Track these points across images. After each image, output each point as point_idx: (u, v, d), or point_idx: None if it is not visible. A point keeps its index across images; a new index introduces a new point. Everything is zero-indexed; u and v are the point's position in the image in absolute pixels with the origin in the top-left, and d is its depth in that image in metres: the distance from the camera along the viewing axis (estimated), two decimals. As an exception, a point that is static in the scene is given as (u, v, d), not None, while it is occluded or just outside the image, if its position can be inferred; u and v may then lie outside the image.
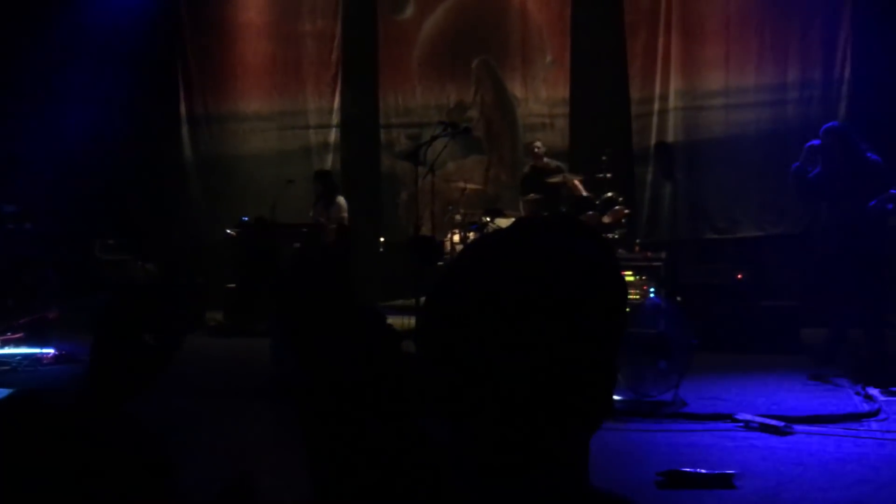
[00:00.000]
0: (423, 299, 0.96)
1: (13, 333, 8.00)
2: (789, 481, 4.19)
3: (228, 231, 10.31)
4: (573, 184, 9.71)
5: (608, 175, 9.62)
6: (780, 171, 9.96)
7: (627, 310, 1.01)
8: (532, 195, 9.74)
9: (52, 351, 7.72)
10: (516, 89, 11.18)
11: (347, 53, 11.87)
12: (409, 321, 7.72)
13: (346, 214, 10.03)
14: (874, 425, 5.23)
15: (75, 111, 10.56)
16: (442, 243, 9.87)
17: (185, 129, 12.33)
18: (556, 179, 9.69)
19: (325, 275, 9.60)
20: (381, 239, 10.91)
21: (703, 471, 4.18)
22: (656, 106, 10.51)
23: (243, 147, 12.19)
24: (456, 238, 9.73)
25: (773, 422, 5.15)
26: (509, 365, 0.90)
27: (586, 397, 0.93)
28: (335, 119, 11.92)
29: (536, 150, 10.05)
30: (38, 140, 10.60)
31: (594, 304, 0.93)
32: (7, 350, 7.74)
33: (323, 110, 11.95)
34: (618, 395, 5.58)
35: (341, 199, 10.09)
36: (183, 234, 11.80)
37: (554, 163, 10.01)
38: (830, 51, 9.87)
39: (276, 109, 12.08)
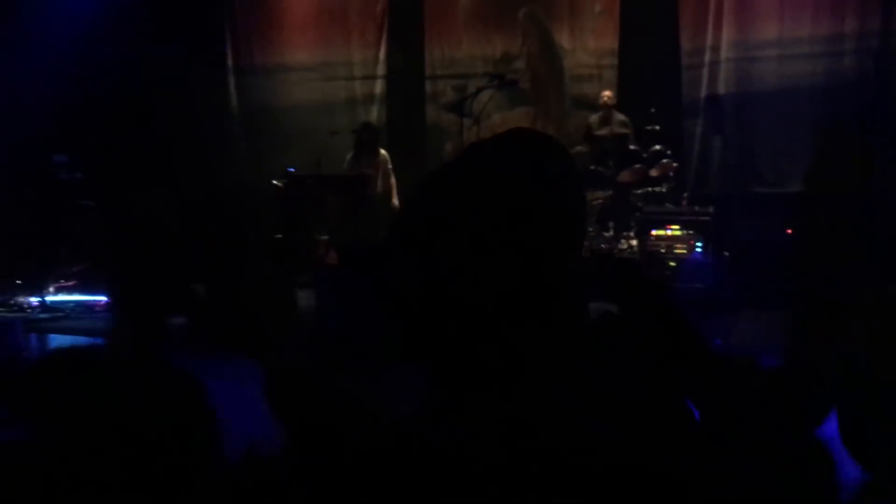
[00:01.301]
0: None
1: (66, 281, 8.19)
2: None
3: (275, 182, 10.36)
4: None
5: (657, 127, 9.48)
6: (834, 125, 9.75)
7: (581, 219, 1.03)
8: (579, 148, 9.63)
9: (104, 298, 7.89)
10: (564, 40, 11.01)
11: (393, 4, 11.77)
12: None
13: (391, 167, 10.04)
14: None
15: (123, 62, 10.62)
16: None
17: (231, 80, 12.38)
18: (602, 132, 9.57)
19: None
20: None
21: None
22: (707, 57, 10.29)
23: (289, 98, 12.20)
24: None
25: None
26: (469, 283, 0.91)
27: (549, 303, 0.94)
28: (380, 70, 11.86)
29: (607, 100, 9.86)
30: (86, 91, 10.71)
31: (544, 217, 0.94)
32: (60, 297, 7.93)
33: (368, 61, 11.89)
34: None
35: (385, 153, 10.08)
36: (229, 184, 11.89)
37: (621, 116, 9.84)
38: (891, 0, 9.55)
39: (321, 60, 12.05)
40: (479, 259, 0.92)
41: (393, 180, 10.01)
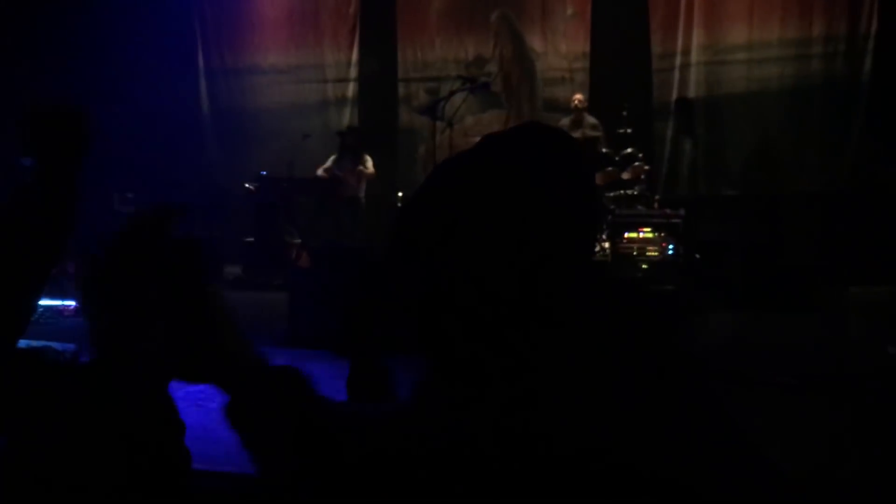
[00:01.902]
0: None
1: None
2: (803, 441, 4.20)
3: (247, 185, 10.32)
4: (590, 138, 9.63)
5: (628, 130, 9.53)
6: (802, 127, 9.88)
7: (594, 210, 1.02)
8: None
9: (73, 303, 7.80)
10: (535, 43, 11.05)
11: (365, 6, 11.76)
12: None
13: (373, 171, 10.09)
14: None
15: (92, 64, 10.52)
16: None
17: (202, 83, 12.30)
18: (574, 135, 9.60)
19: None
20: (399, 194, 10.89)
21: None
22: (678, 60, 10.38)
23: (260, 100, 12.15)
24: (473, 193, 9.70)
25: (788, 379, 5.14)
26: (480, 277, 0.90)
27: (559, 300, 0.92)
28: (353, 73, 11.85)
29: (578, 103, 9.88)
30: (54, 93, 10.59)
31: (558, 216, 0.93)
32: (29, 302, 7.81)
33: (341, 64, 11.87)
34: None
35: (368, 157, 10.09)
36: (201, 187, 11.81)
37: (592, 119, 9.88)
38: (857, 4, 9.68)
39: (293, 63, 12.01)
40: (491, 254, 0.91)
41: (367, 177, 10.05)
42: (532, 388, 0.90)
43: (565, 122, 9.96)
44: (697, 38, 10.27)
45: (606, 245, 8.83)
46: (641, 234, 8.50)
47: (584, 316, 0.94)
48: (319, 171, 10.11)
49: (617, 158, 9.34)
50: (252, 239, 10.06)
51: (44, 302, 7.80)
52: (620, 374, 0.92)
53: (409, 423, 0.94)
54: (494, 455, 0.88)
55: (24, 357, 1.29)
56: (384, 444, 0.94)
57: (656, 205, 9.30)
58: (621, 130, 9.53)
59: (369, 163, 10.05)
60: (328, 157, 10.26)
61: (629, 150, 9.34)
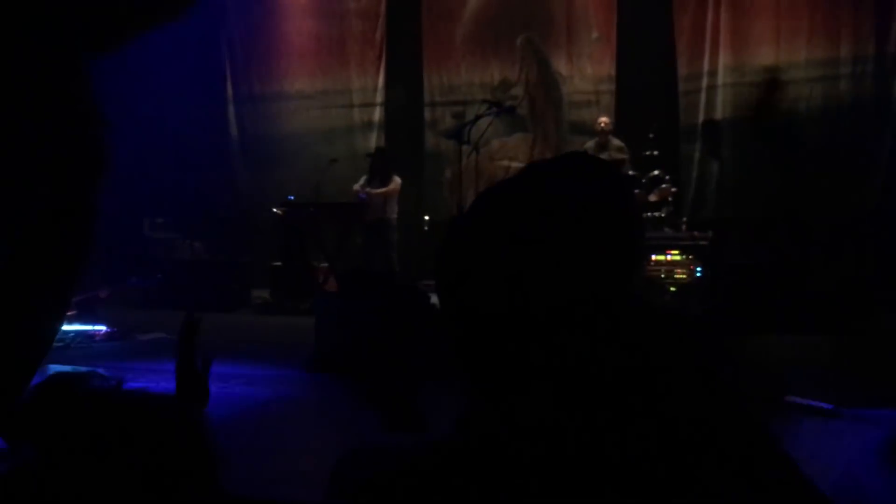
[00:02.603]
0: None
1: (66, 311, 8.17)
2: (837, 466, 4.13)
3: (275, 209, 10.39)
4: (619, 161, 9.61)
5: (655, 153, 9.51)
6: (831, 148, 9.81)
7: (641, 246, 1.02)
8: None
9: (104, 328, 7.88)
10: (561, 66, 11.08)
11: (391, 31, 11.86)
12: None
13: (399, 189, 10.08)
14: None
15: (122, 91, 10.67)
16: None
17: (231, 109, 12.45)
18: (601, 157, 9.60)
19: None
20: (426, 217, 10.93)
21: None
22: (704, 82, 10.36)
23: (288, 126, 12.27)
24: (500, 217, 9.70)
25: (822, 404, 5.07)
26: (524, 318, 0.89)
27: (605, 323, 0.92)
28: (379, 97, 11.93)
29: (604, 126, 9.88)
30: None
31: (604, 246, 0.92)
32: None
33: (367, 89, 11.96)
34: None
35: (397, 178, 10.08)
36: (229, 212, 11.93)
37: (617, 141, 9.86)
38: (885, 24, 9.63)
39: (319, 88, 12.13)
40: (540, 285, 0.90)
41: (396, 198, 10.06)
42: (590, 416, 0.90)
43: (591, 144, 9.95)
44: (724, 59, 10.25)
45: (634, 268, 8.77)
46: (669, 257, 8.46)
47: (633, 347, 0.94)
48: (356, 187, 10.12)
49: (643, 181, 9.31)
50: (279, 263, 10.11)
51: (75, 327, 7.90)
52: (676, 404, 0.92)
53: (464, 453, 0.94)
54: (537, 459, 0.88)
55: (69, 381, 1.30)
56: (444, 473, 0.93)
57: (684, 227, 9.26)
58: (648, 153, 9.51)
59: (398, 185, 10.04)
60: (354, 181, 10.29)
61: (656, 172, 9.32)
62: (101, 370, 6.54)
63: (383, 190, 9.96)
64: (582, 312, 0.90)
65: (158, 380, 6.28)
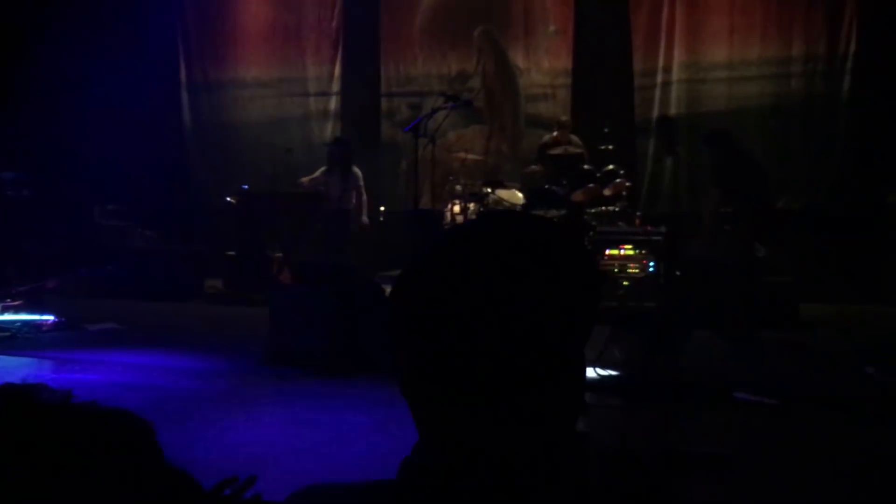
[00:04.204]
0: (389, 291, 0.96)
1: (12, 301, 8.02)
2: (782, 462, 4.22)
3: (228, 199, 10.28)
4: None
5: (610, 147, 9.58)
6: (782, 146, 9.97)
7: (594, 305, 0.99)
8: (532, 167, 9.71)
9: (51, 318, 7.74)
10: (518, 59, 11.10)
11: (348, 20, 11.77)
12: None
13: (362, 184, 9.98)
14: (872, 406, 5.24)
15: (74, 77, 10.48)
16: (442, 214, 9.86)
17: (184, 96, 12.27)
18: (557, 151, 9.64)
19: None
20: (382, 208, 10.89)
21: (695, 450, 4.20)
22: (659, 78, 10.45)
23: (243, 114, 12.13)
24: (456, 209, 9.70)
25: (769, 400, 5.17)
26: (475, 360, 0.89)
27: (557, 394, 0.92)
28: (335, 87, 11.85)
29: (565, 122, 9.90)
30: (36, 106, 10.54)
31: (563, 298, 0.92)
32: (6, 317, 7.76)
33: (323, 78, 11.87)
34: (612, 371, 5.60)
35: (357, 169, 9.99)
36: (183, 201, 11.77)
37: (574, 137, 9.89)
38: (835, 24, 9.80)
39: (275, 76, 12.01)
40: (496, 340, 0.89)
41: (364, 198, 9.98)
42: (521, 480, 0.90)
43: (548, 138, 10.00)
44: (679, 56, 10.34)
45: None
46: (623, 252, 8.52)
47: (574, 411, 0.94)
48: (304, 180, 10.04)
49: (598, 175, 9.37)
50: (233, 253, 10.02)
51: (22, 317, 7.75)
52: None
53: (401, 498, 0.93)
54: None
55: (16, 394, 1.28)
56: None
57: (638, 222, 9.34)
58: (603, 147, 9.58)
59: (357, 176, 9.94)
60: (311, 170, 10.20)
61: (611, 166, 9.38)
62: (48, 372, 6.44)
63: (363, 198, 9.89)
64: (536, 373, 0.89)
65: (108, 371, 6.20)
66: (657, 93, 10.47)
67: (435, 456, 0.91)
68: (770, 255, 8.65)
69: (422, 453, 0.93)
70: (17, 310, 7.96)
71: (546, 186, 9.26)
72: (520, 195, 9.62)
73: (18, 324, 7.63)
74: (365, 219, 10.00)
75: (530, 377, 0.89)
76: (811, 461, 4.23)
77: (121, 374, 6.13)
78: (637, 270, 8.43)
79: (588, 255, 0.98)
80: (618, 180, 9.30)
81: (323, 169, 10.01)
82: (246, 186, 10.19)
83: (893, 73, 9.21)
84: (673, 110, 10.35)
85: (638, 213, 9.61)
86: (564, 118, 10.01)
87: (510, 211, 1.13)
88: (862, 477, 4.01)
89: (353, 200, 9.94)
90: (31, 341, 7.21)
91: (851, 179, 9.58)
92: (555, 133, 9.89)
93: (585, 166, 9.49)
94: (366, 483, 0.98)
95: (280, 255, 9.81)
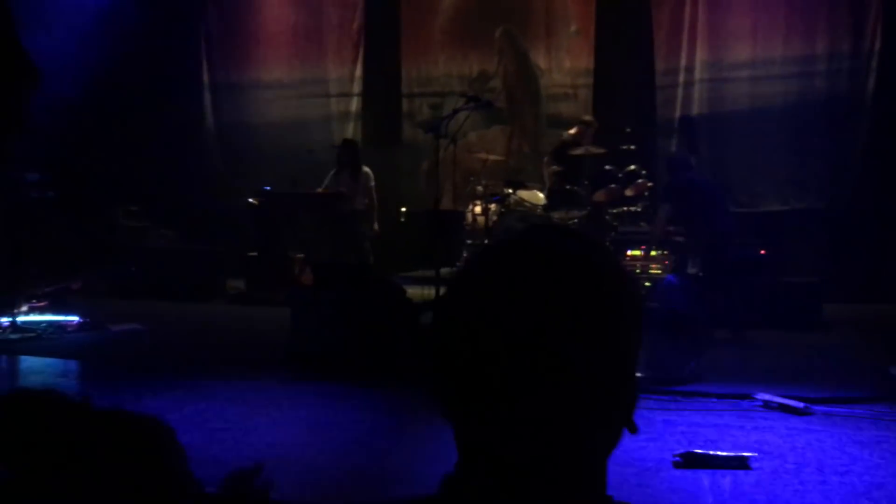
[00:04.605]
0: (430, 314, 0.94)
1: (38, 301, 8.09)
2: (807, 464, 4.18)
3: (250, 199, 10.32)
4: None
5: (631, 147, 9.53)
6: (806, 145, 9.89)
7: (640, 326, 0.98)
8: (554, 167, 9.68)
9: (76, 318, 7.81)
10: (539, 59, 11.08)
11: (370, 21, 11.79)
12: (429, 292, 7.72)
13: (374, 185, 9.94)
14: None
15: (98, 78, 10.55)
16: (463, 214, 9.85)
17: (206, 97, 12.34)
18: (578, 152, 9.60)
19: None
20: (403, 209, 10.89)
21: (720, 452, 4.17)
22: (681, 78, 10.39)
23: (264, 115, 12.18)
24: (477, 209, 9.69)
25: (793, 402, 5.12)
26: (520, 383, 0.88)
27: (605, 419, 0.91)
28: (357, 88, 11.87)
29: (589, 120, 9.81)
30: (60, 107, 10.62)
31: (613, 318, 0.91)
32: (32, 318, 7.83)
33: (344, 79, 11.90)
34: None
35: (368, 170, 9.96)
36: (204, 201, 11.83)
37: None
38: (860, 22, 9.71)
39: (297, 77, 12.04)
40: (532, 360, 0.88)
41: (375, 201, 9.93)
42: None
43: (567, 136, 9.95)
44: (701, 55, 10.29)
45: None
46: (644, 252, 8.48)
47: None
48: (320, 191, 10.05)
49: (620, 175, 9.33)
50: (255, 253, 10.06)
51: (47, 317, 7.82)
52: None
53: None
54: None
55: (34, 400, 1.29)
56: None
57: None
58: (624, 147, 9.53)
59: (368, 177, 9.91)
60: (330, 171, 10.19)
61: (632, 166, 9.34)
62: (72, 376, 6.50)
63: (371, 196, 9.83)
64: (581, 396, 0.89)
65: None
66: (679, 92, 10.41)
67: (478, 475, 0.91)
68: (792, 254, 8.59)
69: (464, 471, 0.93)
70: (42, 311, 8.03)
71: (567, 187, 9.23)
72: (541, 196, 9.59)
73: (44, 324, 7.70)
74: (376, 226, 9.91)
75: (577, 402, 0.88)
76: (835, 464, 4.19)
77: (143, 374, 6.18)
78: (659, 271, 8.38)
79: (633, 279, 0.98)
80: (640, 180, 9.26)
81: (332, 172, 9.99)
82: (268, 187, 10.22)
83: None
84: (696, 110, 10.29)
85: (660, 214, 9.55)
86: (588, 118, 9.89)
87: (557, 227, 1.13)
88: (886, 481, 3.96)
89: (366, 201, 9.89)
90: (57, 342, 7.26)
91: (875, 179, 9.48)
92: (573, 130, 9.77)
93: (606, 167, 9.45)
94: (408, 500, 0.97)
95: (301, 255, 9.84)
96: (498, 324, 0.87)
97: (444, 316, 0.93)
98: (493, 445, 0.90)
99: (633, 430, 0.94)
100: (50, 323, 7.73)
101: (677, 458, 4.14)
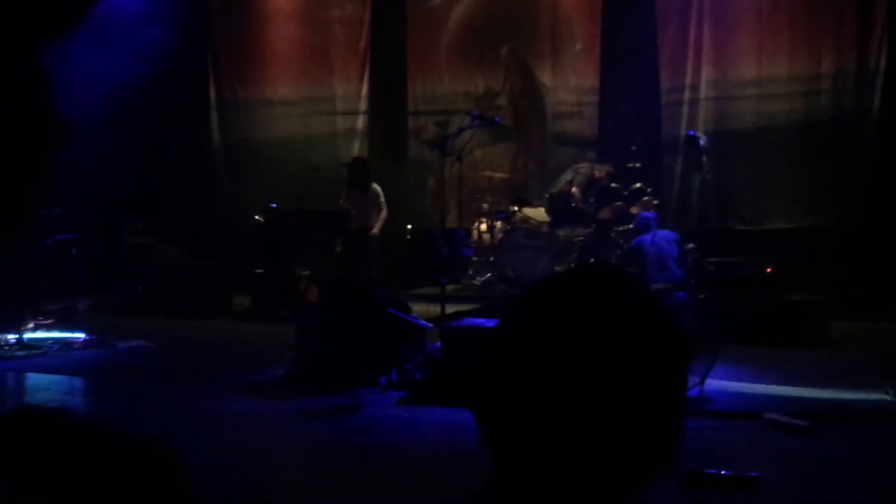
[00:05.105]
0: (486, 360, 0.97)
1: (44, 319, 8.11)
2: (813, 483, 4.16)
3: (256, 217, 10.34)
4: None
5: (637, 165, 9.55)
6: (811, 163, 9.88)
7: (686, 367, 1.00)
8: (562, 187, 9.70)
9: (82, 335, 7.83)
10: (545, 77, 11.11)
11: (376, 40, 11.85)
12: (435, 309, 7.72)
13: (383, 201, 9.91)
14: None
15: (105, 96, 10.61)
16: (469, 231, 9.85)
17: (213, 115, 12.40)
18: (583, 169, 9.63)
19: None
20: (409, 226, 10.90)
21: (726, 472, 4.15)
22: (686, 95, 10.41)
23: (271, 133, 12.23)
24: (483, 226, 9.71)
25: (799, 421, 5.10)
26: (564, 415, 0.90)
27: (644, 452, 0.93)
28: (363, 105, 11.92)
29: (599, 176, 9.77)
30: (67, 125, 10.67)
31: (662, 365, 0.93)
32: (39, 335, 7.85)
33: (350, 97, 11.95)
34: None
35: (377, 186, 9.95)
36: (211, 218, 11.87)
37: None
38: (865, 40, 9.71)
39: (303, 95, 12.10)
40: (578, 395, 0.91)
41: (384, 214, 9.90)
42: None
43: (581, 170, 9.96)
44: (706, 73, 10.30)
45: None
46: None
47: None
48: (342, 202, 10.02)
49: (626, 193, 9.35)
50: (261, 270, 10.07)
51: (54, 335, 7.83)
52: None
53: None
54: None
55: (39, 417, 1.29)
56: None
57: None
58: (630, 165, 9.55)
59: (377, 194, 9.88)
60: (338, 188, 10.20)
61: (638, 184, 9.36)
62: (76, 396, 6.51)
63: (383, 214, 9.79)
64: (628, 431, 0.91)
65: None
66: (684, 110, 10.43)
67: (516, 498, 0.93)
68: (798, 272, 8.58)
69: (499, 492, 0.95)
70: (48, 328, 8.05)
71: (572, 205, 9.24)
72: (545, 213, 9.61)
73: (50, 341, 7.72)
74: (376, 230, 9.87)
75: (625, 442, 0.91)
76: (841, 482, 4.17)
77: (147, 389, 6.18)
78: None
79: (679, 326, 1.00)
80: (646, 198, 9.28)
81: (344, 189, 9.98)
82: (274, 205, 10.24)
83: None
84: (701, 128, 10.29)
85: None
86: (605, 171, 9.87)
87: (606, 266, 1.14)
88: (892, 498, 3.94)
89: (376, 217, 9.86)
90: (63, 358, 7.28)
91: (882, 196, 9.46)
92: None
93: (612, 184, 9.47)
94: None
95: (307, 272, 9.85)
96: (556, 361, 0.91)
97: (500, 348, 0.96)
98: (539, 473, 0.92)
99: (670, 470, 0.96)
100: (56, 340, 7.75)
101: (683, 479, 4.12)
